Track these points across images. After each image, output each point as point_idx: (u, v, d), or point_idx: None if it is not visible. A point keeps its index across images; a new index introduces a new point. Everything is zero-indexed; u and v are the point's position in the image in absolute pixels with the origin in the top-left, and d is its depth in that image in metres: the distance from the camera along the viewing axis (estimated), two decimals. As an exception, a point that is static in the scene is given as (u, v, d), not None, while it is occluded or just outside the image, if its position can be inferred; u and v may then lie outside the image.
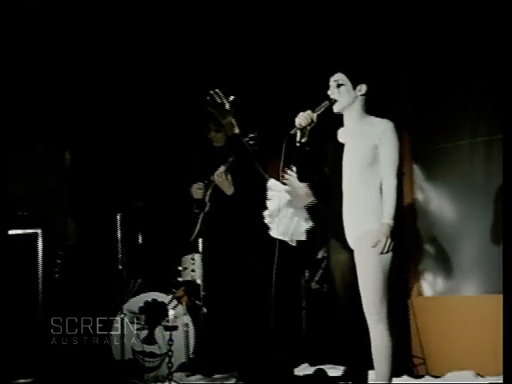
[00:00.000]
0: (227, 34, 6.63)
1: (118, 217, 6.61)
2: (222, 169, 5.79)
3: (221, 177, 5.78)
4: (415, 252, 6.39)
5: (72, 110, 7.66)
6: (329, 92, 4.41)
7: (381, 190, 4.22)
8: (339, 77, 4.39)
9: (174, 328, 6.05)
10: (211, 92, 4.90)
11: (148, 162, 7.62)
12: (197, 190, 6.15)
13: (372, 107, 4.50)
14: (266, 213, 4.95)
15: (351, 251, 4.29)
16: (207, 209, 6.09)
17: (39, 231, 6.69)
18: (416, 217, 6.42)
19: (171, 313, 6.19)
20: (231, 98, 4.94)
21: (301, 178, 4.65)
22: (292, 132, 4.41)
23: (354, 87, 4.36)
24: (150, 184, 7.56)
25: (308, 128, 4.40)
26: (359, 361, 4.37)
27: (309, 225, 4.84)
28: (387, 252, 4.10)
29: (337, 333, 4.51)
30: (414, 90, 6.49)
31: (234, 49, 6.74)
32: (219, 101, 4.92)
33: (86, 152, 7.86)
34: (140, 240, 7.17)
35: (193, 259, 6.52)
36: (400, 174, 4.26)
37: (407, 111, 6.52)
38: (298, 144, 4.43)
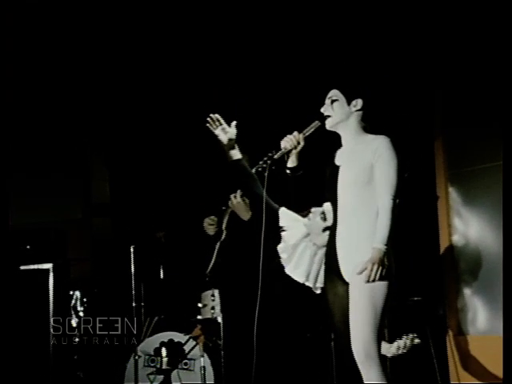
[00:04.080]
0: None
1: (132, 249, 6.41)
2: (238, 192, 5.47)
3: (237, 200, 5.46)
4: (453, 286, 5.96)
5: (95, 139, 7.65)
6: (322, 109, 4.17)
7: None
8: (333, 93, 4.18)
9: (166, 371, 5.80)
10: (211, 116, 4.64)
11: (168, 190, 7.35)
12: (209, 226, 5.77)
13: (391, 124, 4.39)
14: (280, 247, 4.58)
15: (348, 284, 3.99)
16: (224, 237, 5.70)
17: (50, 266, 6.42)
18: (453, 246, 6.00)
19: (164, 353, 5.92)
20: (233, 122, 4.66)
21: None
22: (276, 157, 4.19)
23: (349, 102, 4.11)
24: (171, 213, 7.25)
25: (294, 152, 4.17)
26: None
27: None
28: (373, 280, 3.80)
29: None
30: (449, 103, 6.09)
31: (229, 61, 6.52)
32: (220, 126, 4.65)
33: (109, 182, 7.79)
34: (161, 274, 6.83)
35: (213, 295, 6.21)
36: (397, 195, 3.95)
37: (442, 127, 6.12)
38: (287, 170, 4.21)
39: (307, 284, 4.48)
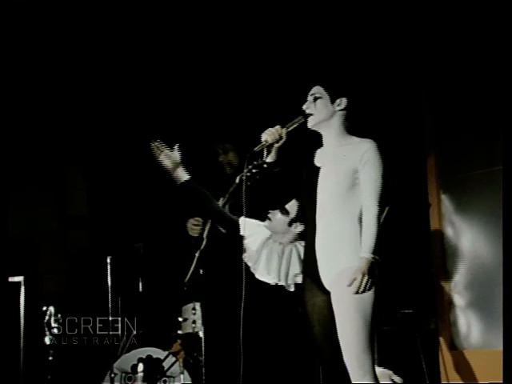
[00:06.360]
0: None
1: (109, 260, 6.13)
2: (220, 202, 5.24)
3: None
4: (444, 298, 5.81)
5: (71, 147, 7.49)
6: (304, 106, 4.03)
7: (360, 220, 3.84)
8: (317, 90, 4.05)
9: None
10: (152, 145, 4.78)
11: (147, 200, 7.18)
12: (193, 227, 5.54)
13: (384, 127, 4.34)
14: (244, 256, 4.61)
15: (328, 293, 3.86)
16: (203, 246, 5.42)
17: (21, 279, 6.14)
18: (445, 255, 5.86)
19: (140, 368, 5.76)
20: (176, 146, 4.80)
21: (269, 205, 4.42)
22: (256, 149, 4.00)
23: (333, 101, 3.98)
24: (150, 224, 7.11)
25: (275, 146, 4.00)
26: None
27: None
28: (363, 292, 3.71)
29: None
30: (442, 109, 5.95)
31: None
32: (163, 152, 4.79)
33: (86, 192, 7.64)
34: (140, 287, 6.59)
35: (194, 309, 6.02)
36: (383, 202, 3.84)
37: (433, 132, 5.98)
38: (264, 165, 4.05)
39: (280, 283, 4.50)
